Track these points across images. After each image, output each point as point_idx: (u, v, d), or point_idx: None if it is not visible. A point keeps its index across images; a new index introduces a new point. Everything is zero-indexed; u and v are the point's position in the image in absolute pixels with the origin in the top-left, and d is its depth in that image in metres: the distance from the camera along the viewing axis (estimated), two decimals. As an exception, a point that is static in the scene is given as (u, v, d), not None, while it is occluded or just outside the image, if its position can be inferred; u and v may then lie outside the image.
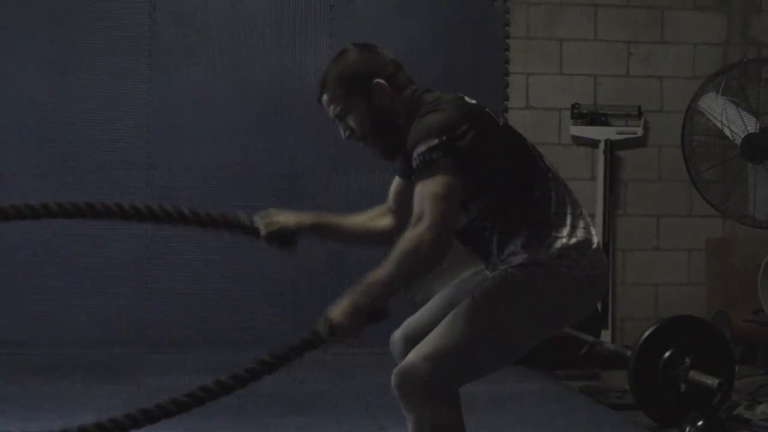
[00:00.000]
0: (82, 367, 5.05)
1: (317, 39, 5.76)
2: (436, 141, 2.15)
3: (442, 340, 2.21)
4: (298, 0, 5.77)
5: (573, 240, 2.25)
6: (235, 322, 5.55)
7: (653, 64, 6.10)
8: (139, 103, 5.68)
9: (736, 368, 4.17)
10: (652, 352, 3.96)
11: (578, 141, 6.02)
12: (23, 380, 4.72)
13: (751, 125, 4.93)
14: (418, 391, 2.18)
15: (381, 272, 2.12)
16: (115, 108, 5.66)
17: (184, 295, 5.64)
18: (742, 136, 4.92)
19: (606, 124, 5.94)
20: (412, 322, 2.50)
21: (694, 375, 3.86)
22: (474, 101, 2.33)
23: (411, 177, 2.28)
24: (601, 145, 5.92)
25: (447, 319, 2.26)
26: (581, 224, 2.30)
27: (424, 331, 2.34)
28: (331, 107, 2.38)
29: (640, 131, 6.00)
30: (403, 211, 2.49)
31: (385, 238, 2.53)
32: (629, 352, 4.08)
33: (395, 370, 2.23)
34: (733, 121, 4.93)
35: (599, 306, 5.66)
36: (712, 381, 3.79)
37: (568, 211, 2.30)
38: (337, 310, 2.12)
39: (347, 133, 2.40)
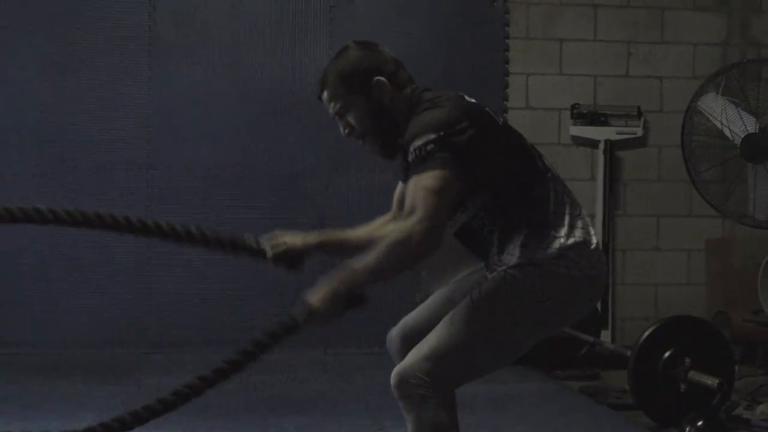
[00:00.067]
0: (82, 367, 5.05)
1: (317, 39, 5.76)
2: (433, 136, 2.15)
3: (441, 340, 2.21)
4: (298, 0, 5.77)
5: (571, 240, 2.25)
6: (235, 322, 5.55)
7: (653, 64, 6.10)
8: (139, 103, 5.68)
9: (736, 368, 4.17)
10: (652, 352, 3.96)
11: (578, 141, 6.02)
12: (23, 380, 4.72)
13: (751, 125, 4.93)
14: (417, 391, 2.18)
15: (366, 260, 2.11)
16: (115, 108, 5.66)
17: (184, 295, 5.64)
18: (742, 137, 4.93)
19: (606, 124, 5.94)
20: (409, 320, 2.50)
21: (694, 375, 3.86)
22: (473, 100, 2.34)
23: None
24: (601, 146, 5.92)
25: (446, 319, 2.26)
26: (580, 224, 2.30)
27: (422, 329, 2.35)
28: (331, 104, 2.38)
29: (639, 131, 6.00)
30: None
31: None
32: (629, 352, 4.08)
33: (394, 371, 2.23)
34: (733, 122, 4.93)
35: (599, 306, 5.66)
36: (712, 381, 3.80)
37: (567, 211, 2.30)
38: (316, 296, 2.11)
39: (347, 131, 2.40)
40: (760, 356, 5.32)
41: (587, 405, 4.41)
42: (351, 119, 2.37)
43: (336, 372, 5.11)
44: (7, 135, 5.57)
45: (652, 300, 6.07)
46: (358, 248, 2.52)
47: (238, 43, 5.75)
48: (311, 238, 2.49)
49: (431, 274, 5.08)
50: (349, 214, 5.61)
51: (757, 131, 4.94)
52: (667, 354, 3.94)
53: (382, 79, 2.34)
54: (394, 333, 2.51)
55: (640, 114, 5.99)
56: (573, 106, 5.95)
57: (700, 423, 3.58)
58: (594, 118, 5.94)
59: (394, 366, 2.27)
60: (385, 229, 2.53)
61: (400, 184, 2.53)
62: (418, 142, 2.16)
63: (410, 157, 2.19)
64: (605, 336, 5.65)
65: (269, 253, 2.43)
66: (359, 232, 2.55)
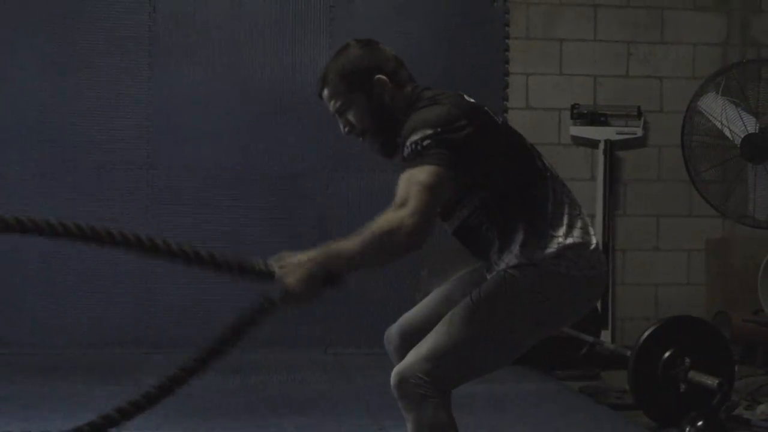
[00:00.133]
0: (82, 367, 5.05)
1: (317, 39, 5.76)
2: (430, 132, 2.15)
3: (440, 340, 2.22)
4: (298, 0, 5.77)
5: (571, 240, 2.25)
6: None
7: (653, 64, 6.10)
8: (139, 103, 5.68)
9: (736, 368, 4.17)
10: (652, 352, 3.96)
11: (578, 141, 6.02)
12: (23, 380, 4.72)
13: (751, 125, 4.93)
14: (417, 391, 2.18)
15: (348, 246, 2.09)
16: (115, 108, 5.66)
17: (184, 296, 5.64)
18: (742, 137, 4.93)
19: (606, 124, 5.94)
20: (408, 318, 2.50)
21: (693, 375, 3.86)
22: (473, 100, 2.34)
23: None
24: (601, 146, 5.92)
25: (445, 319, 2.26)
26: (579, 224, 2.29)
27: (421, 328, 2.35)
28: (332, 102, 2.37)
29: (639, 131, 6.00)
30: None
31: None
32: (629, 352, 4.08)
33: (394, 371, 2.23)
34: (733, 122, 4.93)
35: (599, 306, 5.66)
36: (711, 381, 3.79)
37: (567, 210, 2.30)
38: (293, 276, 2.08)
39: (347, 129, 2.39)
40: (760, 356, 5.32)
41: (587, 405, 4.41)
42: (351, 117, 2.36)
43: (336, 372, 5.11)
44: (7, 135, 5.57)
45: (652, 300, 6.07)
46: None
47: (238, 43, 5.75)
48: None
49: (431, 273, 5.08)
50: (349, 214, 5.62)
51: (757, 131, 4.94)
52: (667, 354, 3.94)
53: (383, 77, 2.34)
54: (393, 331, 2.51)
55: (640, 114, 5.99)
56: (573, 106, 5.95)
57: (700, 423, 3.58)
58: (594, 118, 5.94)
59: (394, 366, 2.27)
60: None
61: None
62: (414, 137, 2.16)
63: (406, 151, 2.18)
64: (605, 336, 5.65)
65: (278, 275, 2.40)
66: None
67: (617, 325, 5.96)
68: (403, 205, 2.09)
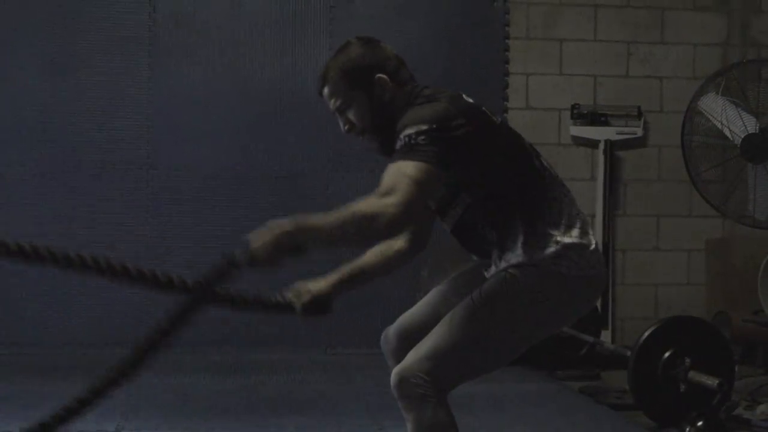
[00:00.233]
0: (82, 367, 5.03)
1: (317, 39, 5.76)
2: (425, 127, 2.14)
3: (441, 340, 2.22)
4: (298, 0, 5.77)
5: (570, 240, 2.25)
6: (235, 322, 5.54)
7: (653, 64, 6.10)
8: (139, 103, 5.68)
9: (736, 368, 4.17)
10: (652, 352, 3.96)
11: (578, 141, 6.02)
12: (23, 380, 4.72)
13: (751, 125, 4.94)
14: (417, 390, 2.18)
15: (324, 221, 2.06)
16: (115, 108, 5.66)
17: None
18: (742, 137, 4.93)
19: (606, 124, 5.94)
20: (406, 319, 2.50)
21: (693, 375, 3.86)
22: (471, 100, 2.33)
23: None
24: (601, 146, 5.92)
25: (446, 319, 2.26)
26: (578, 224, 2.29)
27: (419, 329, 2.34)
28: (332, 100, 2.36)
29: (639, 131, 6.00)
30: (414, 226, 2.47)
31: (404, 257, 2.53)
32: (629, 353, 4.08)
33: (394, 370, 2.23)
34: (733, 122, 4.94)
35: (599, 306, 5.67)
36: (711, 381, 3.79)
37: (566, 210, 2.30)
38: (260, 241, 2.05)
39: (347, 127, 2.38)
40: (760, 356, 5.32)
41: (587, 405, 4.41)
42: (351, 116, 2.36)
43: (336, 372, 5.11)
44: (7, 135, 5.57)
45: (652, 300, 6.07)
46: (375, 272, 2.51)
47: (238, 43, 5.75)
48: (332, 278, 2.44)
49: (431, 273, 5.08)
50: (349, 214, 5.61)
51: (757, 131, 4.94)
52: (667, 354, 3.94)
53: (384, 76, 2.33)
54: (391, 333, 2.50)
55: (640, 114, 5.99)
56: (573, 106, 5.95)
57: (700, 423, 3.58)
58: (594, 118, 5.94)
59: (390, 368, 2.27)
60: (394, 244, 2.50)
61: None
62: (409, 131, 2.15)
63: (398, 144, 2.17)
64: (605, 336, 5.65)
65: (297, 306, 2.38)
66: (372, 257, 2.51)
67: (617, 325, 5.96)
68: (388, 193, 2.07)
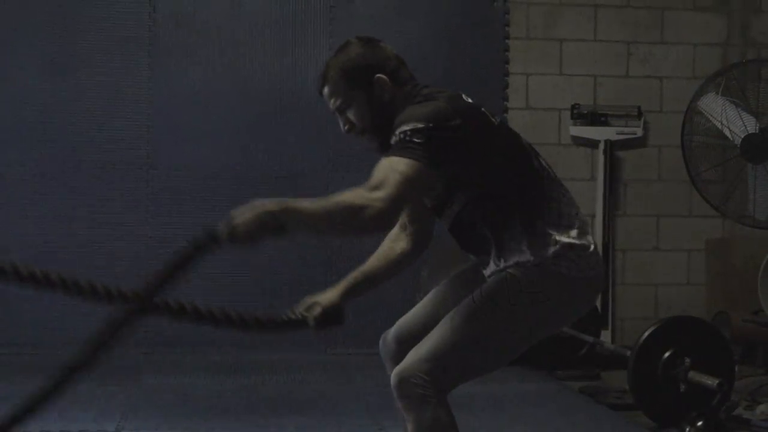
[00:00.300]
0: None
1: (317, 39, 5.76)
2: (421, 126, 2.14)
3: (441, 340, 2.21)
4: (298, 0, 5.77)
5: (570, 241, 2.25)
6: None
7: (653, 64, 6.10)
8: (139, 103, 5.68)
9: (736, 368, 4.17)
10: (652, 352, 3.96)
11: (578, 141, 6.02)
12: (23, 380, 4.71)
13: (751, 125, 4.94)
14: (417, 391, 2.17)
15: (309, 207, 2.06)
16: (115, 108, 5.66)
17: (183, 296, 5.62)
18: (742, 137, 4.93)
19: (606, 124, 5.94)
20: (404, 322, 2.49)
21: (693, 375, 3.86)
22: (470, 100, 2.33)
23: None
24: (601, 146, 5.92)
25: (446, 319, 2.26)
26: (577, 225, 2.29)
27: (418, 332, 2.34)
28: (332, 100, 2.36)
29: (639, 131, 6.00)
30: (415, 226, 2.48)
31: (408, 258, 2.52)
32: (629, 353, 4.08)
33: (394, 371, 2.23)
34: (733, 122, 4.94)
35: (599, 306, 5.67)
36: (711, 381, 3.79)
37: (565, 211, 2.30)
38: (243, 218, 2.06)
39: (346, 127, 2.39)
40: (760, 356, 5.32)
41: (587, 405, 4.41)
42: (351, 115, 2.36)
43: (336, 372, 5.11)
44: (7, 135, 5.57)
45: (652, 300, 6.07)
46: (381, 277, 2.50)
47: (238, 43, 5.75)
48: (341, 288, 2.42)
49: (431, 273, 5.08)
50: (349, 214, 5.61)
51: (757, 131, 4.94)
52: (667, 354, 3.94)
53: (383, 76, 2.33)
54: (390, 336, 2.50)
55: (640, 114, 5.99)
56: (573, 107, 5.95)
57: (700, 423, 3.58)
58: (594, 118, 5.94)
59: (388, 372, 2.27)
60: (397, 246, 2.50)
61: None
62: (405, 128, 2.15)
63: (393, 139, 2.17)
64: (605, 336, 5.65)
65: (310, 321, 2.36)
66: (377, 261, 2.50)
67: (617, 325, 5.96)
68: (377, 188, 2.07)
